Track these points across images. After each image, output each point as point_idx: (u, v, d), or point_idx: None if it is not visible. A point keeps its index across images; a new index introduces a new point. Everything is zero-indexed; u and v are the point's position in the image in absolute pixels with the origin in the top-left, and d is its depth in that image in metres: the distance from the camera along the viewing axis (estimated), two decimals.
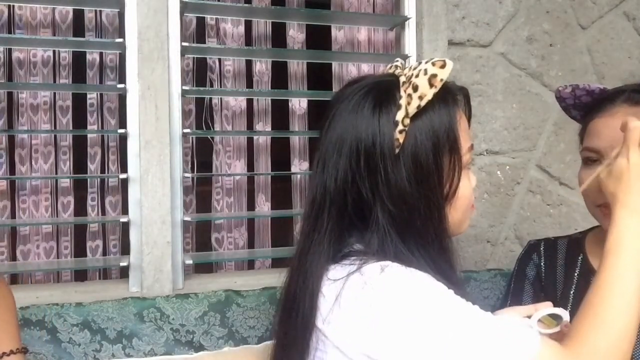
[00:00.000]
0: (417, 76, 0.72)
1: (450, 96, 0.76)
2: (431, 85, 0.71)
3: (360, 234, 0.75)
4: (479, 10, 1.59)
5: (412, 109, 0.71)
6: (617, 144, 0.88)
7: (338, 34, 1.62)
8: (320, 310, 0.72)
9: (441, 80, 0.71)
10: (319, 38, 1.64)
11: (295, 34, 1.59)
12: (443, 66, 0.72)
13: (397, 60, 0.83)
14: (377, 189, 0.72)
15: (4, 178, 1.36)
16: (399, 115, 0.71)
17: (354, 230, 0.76)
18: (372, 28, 1.64)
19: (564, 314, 0.84)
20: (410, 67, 0.75)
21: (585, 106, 1.01)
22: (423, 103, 0.71)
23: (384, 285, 0.67)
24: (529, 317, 0.85)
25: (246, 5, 1.51)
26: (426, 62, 0.73)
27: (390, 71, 0.81)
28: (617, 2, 1.74)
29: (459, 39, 1.57)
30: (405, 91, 0.72)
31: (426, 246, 0.73)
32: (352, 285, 0.68)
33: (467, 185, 0.78)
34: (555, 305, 0.87)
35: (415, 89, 0.71)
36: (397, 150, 0.71)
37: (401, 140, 0.71)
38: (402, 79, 0.74)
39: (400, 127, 0.71)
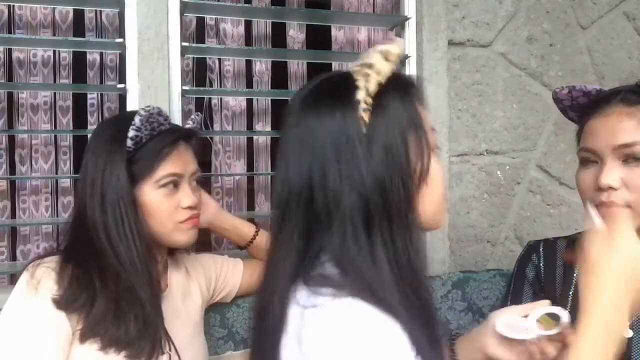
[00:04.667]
0: (370, 57, 0.71)
1: (406, 83, 0.75)
2: (386, 59, 0.70)
3: (328, 235, 0.70)
4: (479, 10, 1.59)
5: (372, 86, 0.70)
6: (612, 143, 0.91)
7: (338, 34, 1.63)
8: (286, 328, 0.69)
9: (396, 54, 0.71)
10: (319, 38, 1.64)
11: (295, 34, 1.59)
12: (393, 43, 0.72)
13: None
14: (346, 176, 0.69)
15: (4, 178, 1.36)
16: (360, 95, 0.70)
17: (321, 231, 0.71)
18: (372, 28, 1.64)
19: (562, 314, 0.84)
20: (362, 58, 0.74)
21: (582, 107, 1.02)
22: (382, 79, 0.70)
23: (334, 339, 0.62)
24: (527, 316, 0.85)
25: (246, 5, 1.51)
26: (377, 46, 0.73)
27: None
28: (617, 2, 1.74)
29: (459, 39, 1.57)
30: (361, 74, 0.71)
31: (395, 242, 0.69)
32: (309, 324, 0.65)
33: (437, 167, 0.75)
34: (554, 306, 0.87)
35: (371, 66, 0.70)
36: (364, 130, 0.69)
37: (367, 119, 0.69)
38: (356, 68, 0.73)
39: (363, 105, 0.69)
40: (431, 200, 0.74)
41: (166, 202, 1.00)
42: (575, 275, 1.05)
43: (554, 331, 0.83)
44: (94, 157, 0.98)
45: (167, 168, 0.99)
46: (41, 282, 0.89)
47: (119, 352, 0.89)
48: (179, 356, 1.00)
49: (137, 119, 0.95)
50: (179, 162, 1.01)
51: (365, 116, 0.69)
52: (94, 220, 0.95)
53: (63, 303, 0.88)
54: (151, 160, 0.98)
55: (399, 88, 0.72)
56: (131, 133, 0.95)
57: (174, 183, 1.01)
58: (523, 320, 0.84)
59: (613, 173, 0.92)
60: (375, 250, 0.68)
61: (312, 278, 0.69)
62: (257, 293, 0.79)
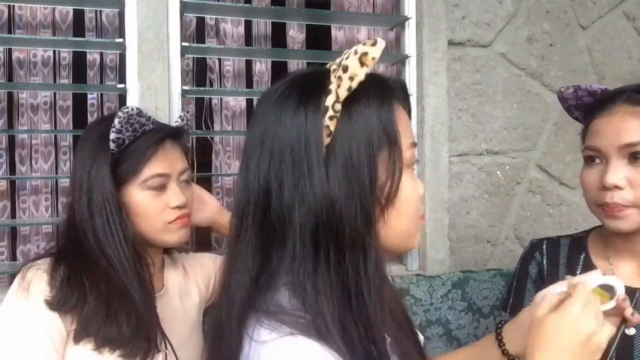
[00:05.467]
0: (347, 58, 0.65)
1: (387, 88, 0.68)
2: (362, 64, 0.64)
3: (282, 253, 0.66)
4: (479, 10, 1.59)
5: (343, 92, 0.64)
6: (617, 142, 0.91)
7: (338, 34, 1.63)
8: (240, 357, 0.65)
9: (373, 58, 0.64)
10: (319, 38, 1.64)
11: (295, 34, 1.59)
12: (374, 44, 0.64)
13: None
14: (300, 189, 0.63)
15: (4, 178, 1.36)
16: (329, 100, 0.63)
17: (277, 248, 0.66)
18: (372, 28, 1.64)
19: (618, 284, 0.76)
20: (342, 54, 0.68)
21: (587, 106, 1.02)
22: (354, 84, 0.64)
23: None
24: None
25: (246, 5, 1.51)
26: (357, 45, 0.66)
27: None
28: (617, 2, 1.74)
29: (459, 39, 1.57)
30: (335, 76, 0.65)
31: (342, 271, 0.64)
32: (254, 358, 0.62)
33: (411, 186, 0.68)
34: None
35: (345, 69, 0.64)
36: (327, 141, 0.63)
37: (332, 128, 0.63)
38: (333, 67, 0.67)
39: (330, 112, 0.63)
40: (398, 223, 0.68)
41: (154, 202, 0.99)
42: (578, 273, 1.05)
43: (609, 306, 0.75)
44: (81, 160, 0.98)
45: (152, 168, 0.99)
46: (32, 284, 0.90)
47: (113, 351, 0.89)
48: (175, 355, 1.00)
49: (116, 121, 0.94)
50: (165, 161, 1.00)
51: (331, 125, 0.63)
52: (82, 222, 0.96)
53: (55, 304, 0.88)
54: (136, 161, 0.98)
55: (375, 96, 0.66)
56: (112, 136, 0.95)
57: (162, 183, 1.00)
58: None
59: (618, 172, 0.92)
60: (318, 278, 0.63)
61: (263, 307, 0.64)
62: (215, 308, 0.73)
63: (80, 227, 0.96)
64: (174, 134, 1.06)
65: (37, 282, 0.90)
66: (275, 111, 0.66)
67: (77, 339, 0.89)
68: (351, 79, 0.64)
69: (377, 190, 0.65)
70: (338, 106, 0.64)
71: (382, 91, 0.67)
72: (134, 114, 0.96)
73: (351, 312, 0.63)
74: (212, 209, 1.21)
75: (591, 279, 0.76)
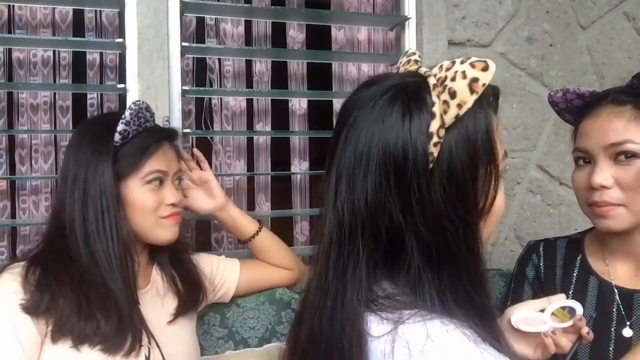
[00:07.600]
0: (453, 79, 0.62)
1: (486, 98, 0.65)
2: (472, 91, 0.61)
3: (389, 267, 0.65)
4: (479, 10, 1.59)
5: (450, 119, 0.61)
6: (603, 143, 0.94)
7: (338, 34, 1.62)
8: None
9: (483, 85, 0.61)
10: (319, 38, 1.64)
11: (295, 34, 1.59)
12: (485, 68, 0.62)
13: (414, 54, 0.72)
14: (409, 211, 0.62)
15: (4, 178, 1.36)
16: (434, 126, 0.61)
17: (385, 264, 0.66)
18: (372, 28, 1.64)
19: (578, 307, 0.85)
20: (441, 67, 0.64)
21: (577, 109, 1.04)
22: (462, 112, 0.61)
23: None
24: (542, 310, 0.86)
25: (246, 5, 1.51)
26: (462, 63, 0.63)
27: (411, 68, 0.70)
28: (617, 2, 1.74)
29: (459, 39, 1.57)
30: (439, 97, 0.62)
31: (461, 278, 0.64)
32: (399, 356, 0.59)
33: (502, 197, 0.67)
34: None
35: (453, 95, 0.61)
36: (431, 165, 0.61)
37: (435, 154, 0.61)
38: (432, 80, 0.64)
39: (435, 139, 0.61)
40: (487, 228, 0.67)
41: (151, 197, 1.01)
42: (575, 274, 1.06)
43: (567, 324, 0.84)
44: (77, 154, 0.99)
45: (152, 165, 1.01)
46: (3, 288, 0.91)
47: (93, 347, 0.90)
48: (160, 350, 1.00)
49: (127, 113, 0.96)
50: (164, 160, 1.04)
51: (435, 151, 0.61)
52: (72, 215, 0.96)
53: (28, 308, 0.90)
54: (138, 156, 1.00)
55: (474, 116, 0.63)
56: (120, 127, 0.97)
57: (160, 180, 1.03)
58: (538, 314, 0.86)
59: (605, 172, 0.94)
60: (446, 297, 0.62)
61: (375, 303, 0.63)
62: (308, 334, 0.69)
63: (68, 221, 0.97)
64: (170, 135, 1.09)
65: (8, 286, 0.91)
66: (377, 129, 0.63)
67: (54, 338, 0.90)
68: (459, 106, 0.61)
69: (478, 206, 0.65)
70: (442, 132, 0.61)
71: (482, 107, 0.64)
72: (144, 108, 0.99)
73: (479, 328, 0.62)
74: (218, 201, 1.22)
75: (555, 302, 0.86)
